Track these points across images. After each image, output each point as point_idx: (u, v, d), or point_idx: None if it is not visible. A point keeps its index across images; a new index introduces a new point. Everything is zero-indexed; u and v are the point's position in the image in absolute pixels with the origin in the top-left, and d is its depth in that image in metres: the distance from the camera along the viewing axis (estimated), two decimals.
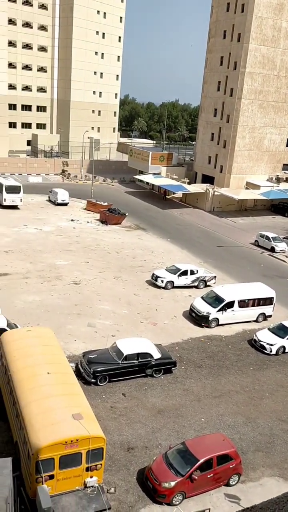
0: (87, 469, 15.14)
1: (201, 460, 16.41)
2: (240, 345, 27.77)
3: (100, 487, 15.39)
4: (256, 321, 30.77)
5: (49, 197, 57.93)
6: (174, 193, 65.82)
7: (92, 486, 15.24)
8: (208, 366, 25.09)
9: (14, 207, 52.07)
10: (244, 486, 17.43)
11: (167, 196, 66.49)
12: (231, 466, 17.02)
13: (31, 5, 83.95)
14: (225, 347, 27.30)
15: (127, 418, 20.10)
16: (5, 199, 51.15)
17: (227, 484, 17.22)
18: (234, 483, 17.33)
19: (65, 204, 55.86)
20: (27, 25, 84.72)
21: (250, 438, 19.95)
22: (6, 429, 18.31)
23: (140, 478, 17.00)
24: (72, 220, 50.12)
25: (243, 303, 29.92)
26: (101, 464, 15.42)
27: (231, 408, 21.81)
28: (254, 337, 27.88)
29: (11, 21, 79.64)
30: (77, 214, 53.05)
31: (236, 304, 29.59)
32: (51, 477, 14.62)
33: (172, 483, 15.95)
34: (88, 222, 50.31)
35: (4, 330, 22.37)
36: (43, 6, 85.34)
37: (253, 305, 30.36)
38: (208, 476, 16.56)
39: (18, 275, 33.75)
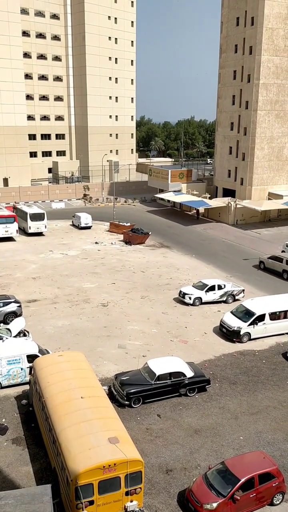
0: (127, 493, 14.96)
1: (242, 480, 15.99)
2: (274, 359, 27.18)
3: (141, 511, 15.13)
4: None
5: (72, 221, 58.77)
6: (195, 209, 65.72)
7: (132, 511, 15.03)
8: (243, 382, 24.62)
9: (39, 234, 53.02)
10: None
11: (199, 216, 64.98)
12: (274, 485, 16.53)
13: (44, 37, 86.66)
14: (259, 362, 26.77)
15: (163, 440, 19.81)
16: (30, 227, 52.18)
17: (271, 504, 16.70)
18: (278, 502, 16.80)
19: (89, 228, 56.51)
20: (41, 57, 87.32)
21: None
22: (43, 455, 18.31)
23: (181, 500, 16.65)
24: (96, 242, 50.61)
25: (274, 316, 29.38)
26: (140, 488, 15.21)
27: (270, 424, 21.26)
28: None
29: (26, 55, 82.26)
30: (101, 236, 53.56)
31: (267, 317, 29.09)
32: (91, 502, 14.50)
33: (214, 504, 15.57)
34: (112, 243, 50.69)
35: (36, 356, 22.57)
36: (56, 37, 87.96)
37: (284, 317, 29.74)
38: (251, 496, 16.11)
39: (47, 301, 34.11)
